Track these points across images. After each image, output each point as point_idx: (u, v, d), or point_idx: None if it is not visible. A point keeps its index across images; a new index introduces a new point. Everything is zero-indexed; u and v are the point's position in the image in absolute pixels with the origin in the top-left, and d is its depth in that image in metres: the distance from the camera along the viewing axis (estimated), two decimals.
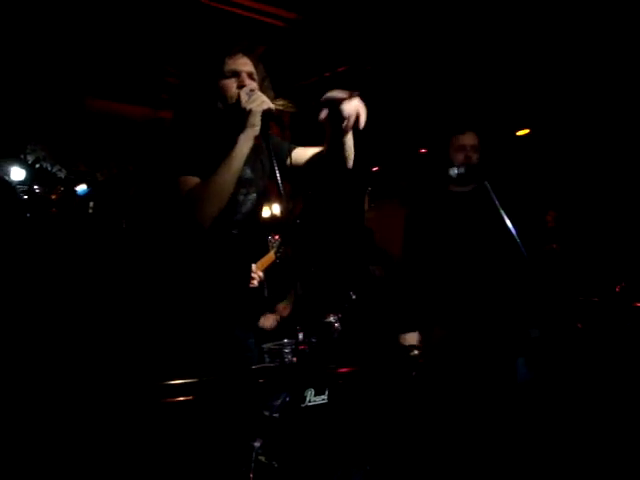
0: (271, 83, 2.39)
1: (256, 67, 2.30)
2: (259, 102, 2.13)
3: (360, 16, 4.52)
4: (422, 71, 5.18)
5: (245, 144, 2.12)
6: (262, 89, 2.29)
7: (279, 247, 3.63)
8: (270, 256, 3.64)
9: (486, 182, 3.64)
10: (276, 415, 3.43)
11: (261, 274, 3.05)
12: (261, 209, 2.47)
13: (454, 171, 3.20)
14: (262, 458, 3.22)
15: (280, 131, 5.82)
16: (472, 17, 4.54)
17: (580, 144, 5.18)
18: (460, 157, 3.26)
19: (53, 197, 4.13)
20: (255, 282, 2.77)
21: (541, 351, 3.28)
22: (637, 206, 4.66)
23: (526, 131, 5.56)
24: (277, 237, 3.64)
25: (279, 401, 3.46)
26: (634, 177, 4.79)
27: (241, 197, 2.28)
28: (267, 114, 2.13)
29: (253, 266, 3.05)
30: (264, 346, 4.03)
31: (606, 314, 3.59)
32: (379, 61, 5.14)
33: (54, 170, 4.63)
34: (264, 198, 2.46)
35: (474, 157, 3.27)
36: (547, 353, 3.28)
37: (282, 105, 5.65)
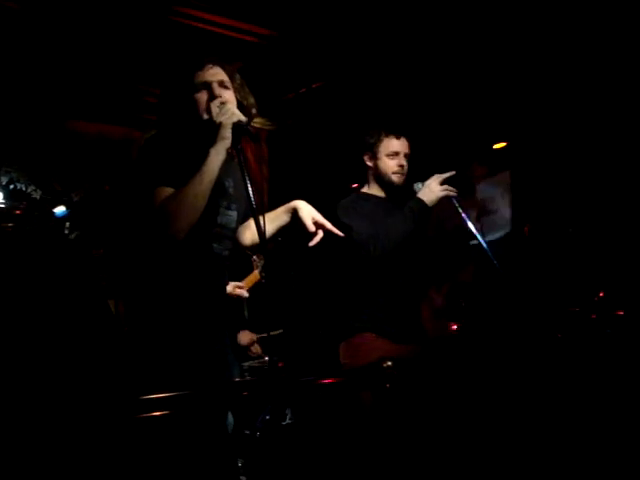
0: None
1: (231, 75, 2.30)
2: (229, 114, 2.13)
3: (335, 31, 4.55)
4: (399, 86, 5.21)
5: (216, 157, 2.11)
6: (242, 97, 2.29)
7: (263, 267, 3.59)
8: (255, 275, 3.61)
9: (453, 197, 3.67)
10: (257, 434, 3.41)
11: (246, 294, 3.03)
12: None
13: (418, 186, 3.20)
14: (243, 478, 3.19)
15: (258, 148, 5.84)
16: (449, 31, 4.58)
17: (559, 154, 5.22)
18: (392, 164, 3.14)
19: (17, 212, 4.07)
20: (245, 293, 2.75)
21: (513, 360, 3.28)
22: (614, 216, 4.69)
23: (503, 144, 5.59)
24: (261, 256, 3.61)
25: (259, 420, 3.44)
26: (611, 185, 4.83)
27: (221, 210, 2.27)
28: (238, 126, 2.12)
29: (239, 284, 3.02)
30: (244, 364, 4.02)
31: (586, 323, 3.60)
32: (353, 77, 5.17)
33: (29, 190, 4.57)
34: (246, 215, 2.45)
35: (406, 166, 3.16)
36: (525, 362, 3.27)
37: (259, 122, 5.65)
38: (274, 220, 2.43)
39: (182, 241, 2.08)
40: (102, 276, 3.99)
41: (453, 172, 2.94)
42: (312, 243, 2.34)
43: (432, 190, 2.92)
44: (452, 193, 2.90)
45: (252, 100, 2.36)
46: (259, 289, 3.57)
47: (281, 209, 2.45)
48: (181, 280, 2.19)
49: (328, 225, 2.35)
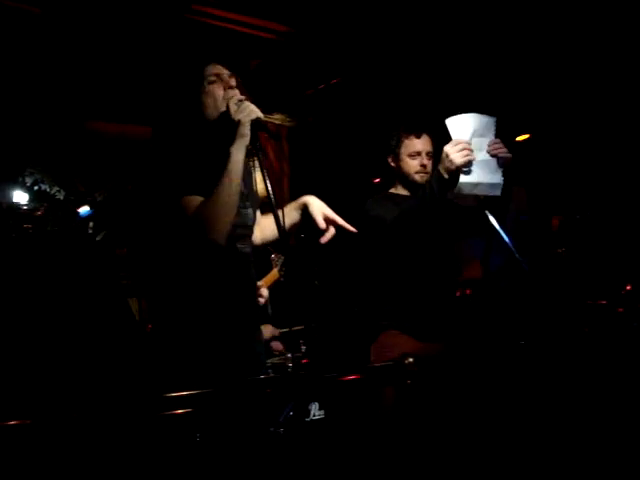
0: (265, 97, 2.38)
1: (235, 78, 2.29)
2: (247, 112, 2.12)
3: (352, 27, 4.53)
4: (417, 80, 5.18)
5: (237, 155, 2.10)
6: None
7: (282, 265, 3.60)
8: (274, 274, 3.61)
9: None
10: (280, 430, 3.40)
11: (266, 292, 3.02)
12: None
13: None
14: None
15: (279, 145, 5.84)
16: (467, 23, 4.53)
17: (581, 147, 5.16)
18: (414, 164, 3.06)
19: (38, 213, 4.12)
20: (262, 300, 2.74)
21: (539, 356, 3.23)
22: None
23: (526, 136, 5.54)
24: (280, 255, 3.62)
25: (283, 416, 3.44)
26: (637, 178, 4.76)
27: (238, 210, 2.24)
28: (256, 123, 2.12)
29: (259, 283, 3.02)
30: (268, 361, 4.01)
31: (613, 317, 3.55)
32: (372, 72, 5.14)
33: (53, 192, 4.63)
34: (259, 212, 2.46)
35: (429, 166, 3.06)
36: (552, 359, 3.23)
37: (278, 119, 5.65)
38: (285, 217, 2.39)
39: (207, 244, 2.08)
40: (124, 275, 4.01)
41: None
42: (324, 240, 2.31)
43: (450, 158, 2.59)
44: (472, 156, 2.59)
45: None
46: (279, 287, 3.57)
47: (291, 205, 2.42)
48: (212, 282, 2.20)
49: (340, 221, 2.32)
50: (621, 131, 4.82)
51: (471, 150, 2.61)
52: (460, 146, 2.59)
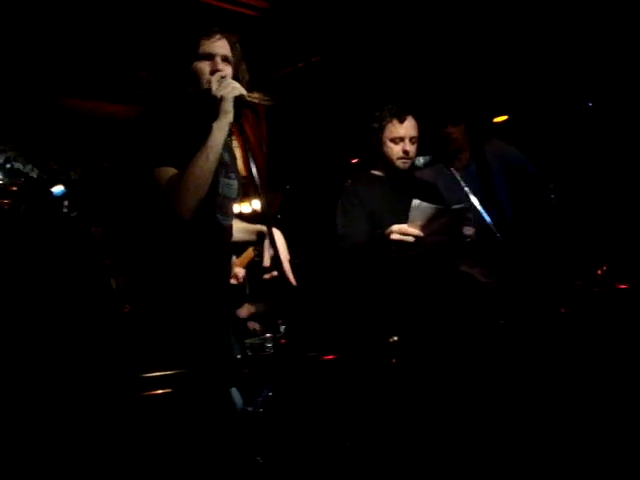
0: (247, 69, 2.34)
1: (232, 49, 2.24)
2: (230, 88, 2.08)
3: (333, 4, 4.47)
4: (398, 60, 5.15)
5: (219, 132, 2.07)
6: (238, 72, 2.25)
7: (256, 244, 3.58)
8: (248, 253, 3.58)
9: (452, 168, 3.63)
10: (260, 410, 3.41)
11: (243, 271, 3.00)
12: (240, 197, 2.44)
13: (419, 160, 3.15)
14: (259, 459, 3.19)
15: (257, 123, 5.79)
16: (449, 6, 4.51)
17: (559, 128, 5.18)
18: (396, 149, 3.00)
19: (13, 188, 4.04)
20: (235, 281, 2.72)
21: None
22: (616, 189, 4.66)
23: (504, 117, 5.54)
24: None
25: (262, 396, 3.44)
26: (614, 159, 4.80)
27: (222, 179, 2.24)
28: (239, 100, 2.08)
29: (234, 261, 2.99)
30: (246, 341, 4.01)
31: (589, 297, 3.58)
32: (353, 50, 5.10)
33: (26, 169, 4.54)
34: (241, 188, 2.43)
35: (412, 151, 3.03)
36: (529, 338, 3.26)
37: (257, 98, 5.59)
38: (243, 232, 2.50)
39: (173, 217, 2.05)
40: (105, 254, 3.96)
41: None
42: (265, 277, 2.34)
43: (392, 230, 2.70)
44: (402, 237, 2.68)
45: (247, 77, 2.31)
46: (255, 267, 3.55)
47: (253, 227, 2.50)
48: (186, 253, 2.17)
49: (285, 266, 2.29)
50: (600, 110, 4.84)
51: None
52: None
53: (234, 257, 2.76)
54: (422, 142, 3.12)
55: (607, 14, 4.37)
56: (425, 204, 2.65)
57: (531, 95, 5.19)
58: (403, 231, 2.66)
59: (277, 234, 2.37)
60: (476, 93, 4.98)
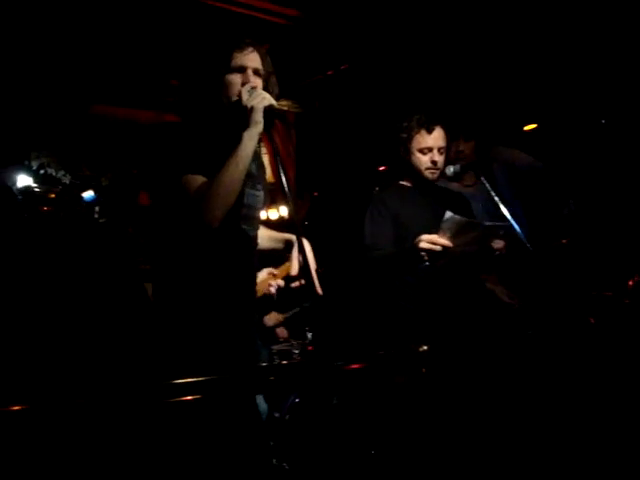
0: (277, 81, 2.36)
1: (263, 62, 2.26)
2: (260, 99, 2.11)
3: (361, 13, 4.48)
4: (427, 67, 5.14)
5: (250, 141, 2.09)
6: (268, 85, 2.27)
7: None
8: (288, 265, 3.58)
9: (482, 178, 3.60)
10: (286, 416, 3.42)
11: (282, 283, 3.00)
12: (265, 206, 2.46)
13: (449, 169, 3.14)
14: (273, 460, 3.21)
15: (286, 130, 5.81)
16: (475, 13, 4.49)
17: (589, 136, 5.13)
18: (424, 160, 3.00)
19: (52, 196, 4.10)
20: (273, 289, 2.73)
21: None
22: None
23: (533, 126, 5.50)
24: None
25: (288, 402, 3.45)
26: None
27: (247, 190, 2.25)
28: (269, 111, 2.10)
29: (274, 272, 2.98)
30: (273, 347, 4.03)
31: (619, 308, 3.54)
32: (382, 58, 5.10)
33: (59, 175, 4.60)
34: (268, 196, 2.45)
35: (440, 162, 3.02)
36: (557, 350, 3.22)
37: (286, 105, 5.61)
38: (270, 241, 2.52)
39: (202, 226, 2.07)
40: (142, 260, 3.99)
41: None
42: (293, 285, 2.41)
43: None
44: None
45: (277, 90, 2.33)
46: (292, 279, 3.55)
47: (281, 235, 2.53)
48: (211, 263, 2.18)
49: (312, 274, 2.24)
50: (627, 121, 4.78)
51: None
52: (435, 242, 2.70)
53: (272, 268, 2.77)
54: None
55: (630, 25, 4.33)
56: (458, 217, 2.67)
57: (551, 107, 5.15)
58: (433, 241, 2.67)
59: (305, 243, 2.39)
60: (491, 110, 4.95)
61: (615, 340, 3.33)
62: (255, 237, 2.36)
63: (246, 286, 2.31)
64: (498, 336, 3.02)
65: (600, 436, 2.98)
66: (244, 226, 2.26)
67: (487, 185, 3.43)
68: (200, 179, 2.09)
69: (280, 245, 2.52)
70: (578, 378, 3.17)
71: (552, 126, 5.29)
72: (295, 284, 2.37)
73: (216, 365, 2.09)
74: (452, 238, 2.67)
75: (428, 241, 2.68)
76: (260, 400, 3.36)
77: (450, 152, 3.59)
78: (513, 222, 3.33)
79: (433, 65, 5.09)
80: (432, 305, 2.92)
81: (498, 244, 2.92)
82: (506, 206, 3.36)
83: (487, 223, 2.88)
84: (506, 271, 3.35)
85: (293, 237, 2.42)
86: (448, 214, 2.66)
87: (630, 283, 3.72)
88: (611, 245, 4.34)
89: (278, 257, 3.00)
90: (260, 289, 3.36)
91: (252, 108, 2.09)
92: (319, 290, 2.29)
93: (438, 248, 2.67)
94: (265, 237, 2.50)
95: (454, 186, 3.60)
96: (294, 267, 2.37)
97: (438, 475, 2.68)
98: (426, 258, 2.71)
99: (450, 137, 3.47)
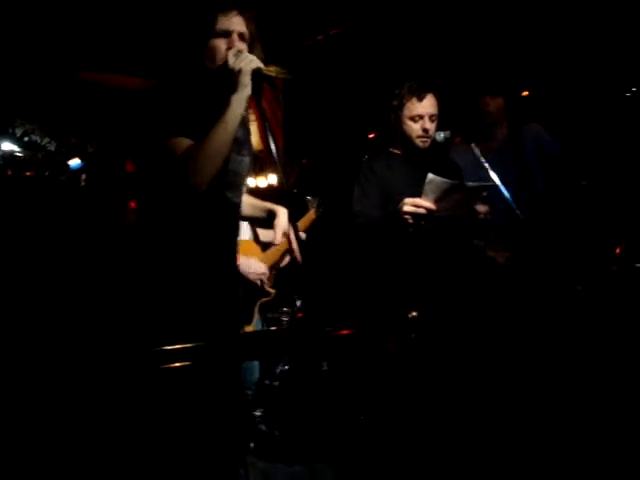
0: (262, 47, 2.32)
1: (248, 27, 2.22)
2: (247, 61, 2.07)
3: None
4: (418, 32, 5.08)
5: (237, 105, 2.06)
6: (253, 51, 2.23)
7: (318, 205, 3.56)
8: (310, 215, 3.56)
9: (472, 144, 3.56)
10: (275, 383, 3.44)
11: (304, 236, 2.98)
12: (249, 173, 2.45)
13: (440, 135, 3.10)
14: (262, 427, 3.24)
15: (274, 97, 5.75)
16: None
17: (580, 107, 5.10)
18: (416, 127, 2.96)
19: (35, 160, 4.07)
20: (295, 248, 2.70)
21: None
22: (636, 168, 4.60)
23: (525, 93, 5.46)
24: (315, 196, 3.57)
25: (278, 369, 3.47)
26: (634, 137, 4.73)
27: (233, 156, 2.22)
28: (257, 73, 2.07)
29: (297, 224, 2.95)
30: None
31: (607, 275, 3.56)
32: (373, 23, 5.03)
33: (44, 142, 4.56)
34: (253, 163, 2.43)
35: (432, 129, 2.98)
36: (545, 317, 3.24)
37: (274, 71, 5.54)
38: (253, 209, 2.55)
39: (187, 189, 2.06)
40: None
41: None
42: (282, 264, 2.57)
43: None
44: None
45: (262, 56, 2.29)
46: (315, 229, 3.55)
47: (263, 204, 2.55)
48: (195, 229, 2.17)
49: (294, 246, 2.37)
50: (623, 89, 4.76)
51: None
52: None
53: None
54: (444, 117, 3.08)
55: None
56: (439, 178, 2.65)
57: (553, 70, 5.11)
58: (416, 203, 2.66)
59: (282, 212, 2.43)
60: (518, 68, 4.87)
61: (602, 307, 3.35)
62: (239, 204, 2.34)
63: (228, 254, 2.30)
64: (487, 301, 3.03)
65: (588, 404, 3.01)
66: (228, 194, 2.24)
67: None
68: (186, 142, 2.06)
69: (262, 214, 2.54)
70: (566, 344, 3.20)
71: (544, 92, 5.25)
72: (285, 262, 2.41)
73: (199, 332, 2.08)
74: (435, 201, 2.66)
75: (411, 204, 2.67)
76: (255, 368, 3.38)
77: (476, 110, 3.49)
78: (502, 187, 3.32)
79: (427, 31, 5.03)
80: (421, 271, 2.92)
81: (482, 208, 2.90)
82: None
83: (470, 184, 2.85)
84: (492, 236, 3.33)
85: (276, 207, 2.45)
86: (430, 176, 2.64)
87: (617, 251, 3.74)
88: (602, 214, 4.34)
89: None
90: (271, 258, 3.36)
91: (239, 71, 2.05)
92: (299, 258, 2.32)
93: (422, 211, 2.66)
94: (248, 204, 2.50)
95: (475, 149, 3.51)
96: (278, 236, 2.40)
97: (427, 440, 2.71)
98: (410, 221, 2.69)
99: (472, 93, 3.41)
